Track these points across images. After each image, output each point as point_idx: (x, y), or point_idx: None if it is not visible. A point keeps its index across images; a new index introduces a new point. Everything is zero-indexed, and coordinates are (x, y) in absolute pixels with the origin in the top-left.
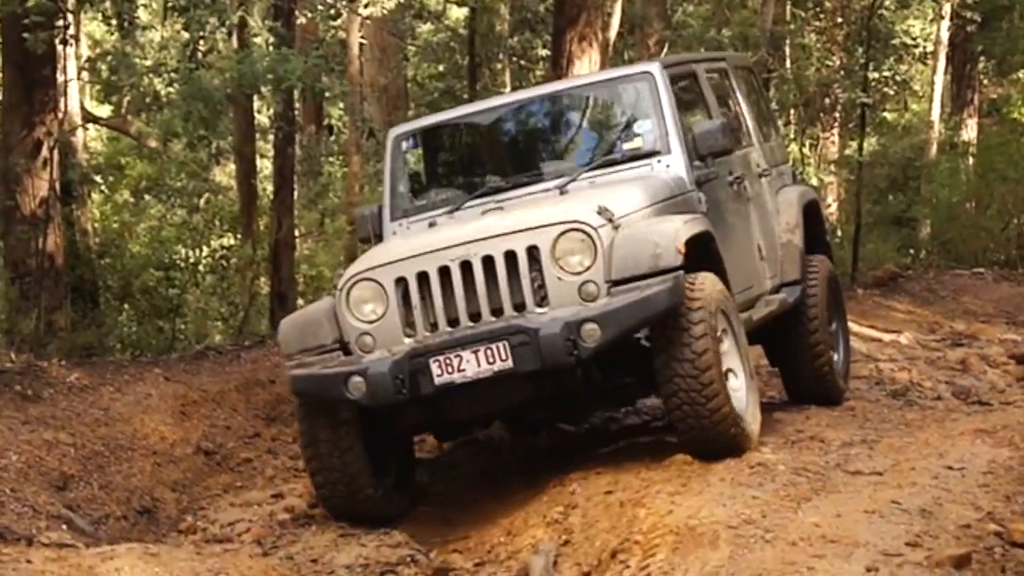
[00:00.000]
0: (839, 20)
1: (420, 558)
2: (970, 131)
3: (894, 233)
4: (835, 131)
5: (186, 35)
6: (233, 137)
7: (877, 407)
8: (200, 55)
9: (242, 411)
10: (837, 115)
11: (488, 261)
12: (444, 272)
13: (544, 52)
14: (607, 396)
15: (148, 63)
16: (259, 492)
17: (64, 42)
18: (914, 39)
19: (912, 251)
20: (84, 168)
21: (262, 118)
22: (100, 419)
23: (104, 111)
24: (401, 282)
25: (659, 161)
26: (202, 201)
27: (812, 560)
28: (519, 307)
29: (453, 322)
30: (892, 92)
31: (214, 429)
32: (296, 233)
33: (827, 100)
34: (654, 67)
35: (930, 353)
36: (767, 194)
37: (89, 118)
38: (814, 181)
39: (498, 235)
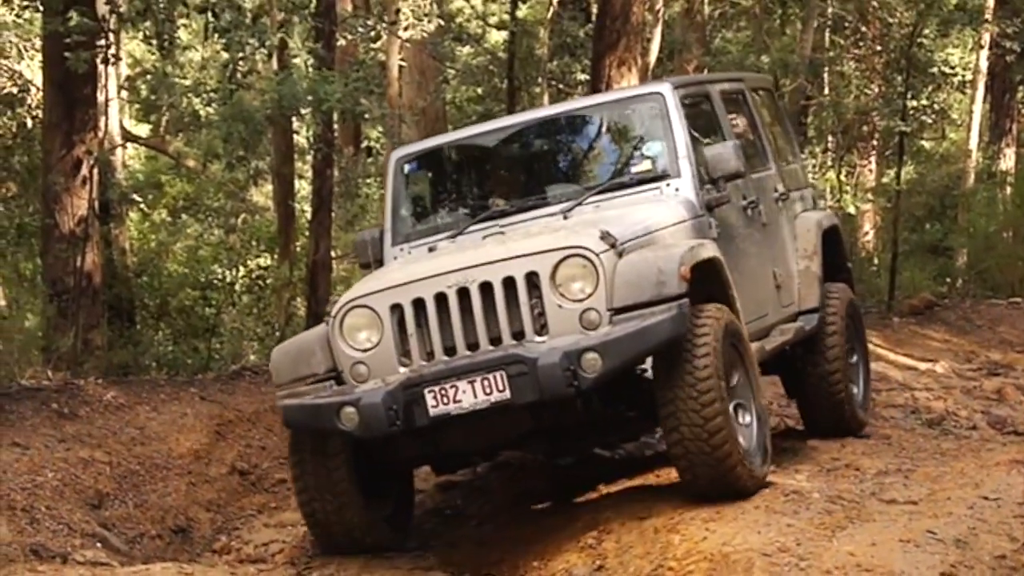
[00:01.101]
0: (878, 48)
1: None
2: (1008, 160)
3: (931, 262)
4: (872, 159)
5: (226, 56)
6: (272, 158)
7: (912, 436)
8: (240, 76)
9: (277, 431)
10: (875, 143)
11: (486, 288)
12: (441, 299)
13: (583, 76)
14: (609, 429)
15: (188, 83)
16: (293, 513)
17: (105, 61)
18: (953, 68)
19: (949, 280)
20: (123, 187)
21: (301, 139)
22: (136, 438)
23: (143, 130)
24: (396, 309)
25: (668, 184)
26: (239, 221)
27: None
28: (518, 335)
29: (450, 351)
30: (930, 121)
31: (249, 449)
32: (333, 254)
33: (865, 128)
34: (665, 87)
35: (966, 382)
36: (784, 219)
37: (128, 137)
38: (851, 209)
39: (496, 261)
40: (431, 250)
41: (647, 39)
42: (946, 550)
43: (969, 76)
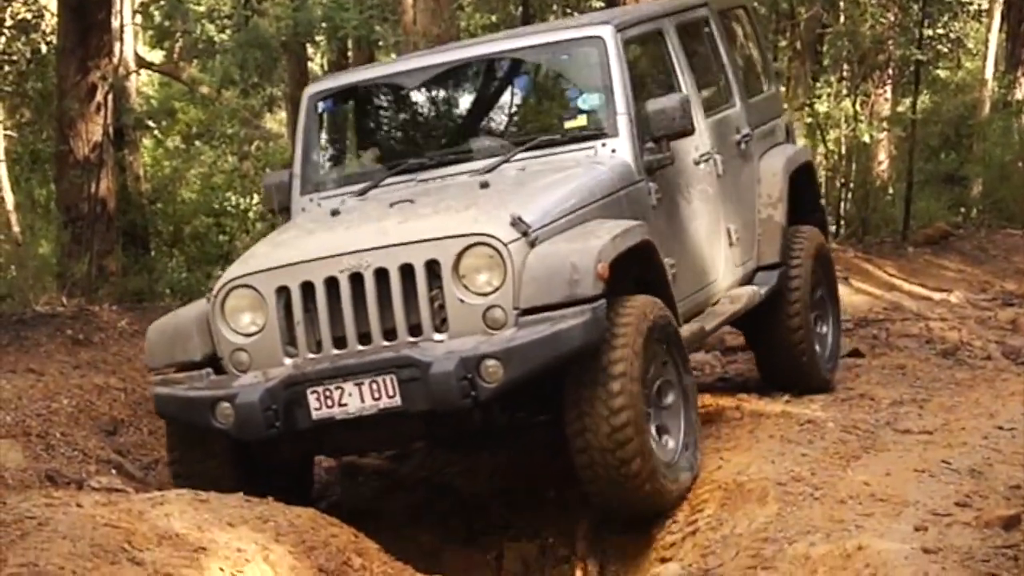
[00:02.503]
0: None
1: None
2: (1023, 90)
3: (946, 191)
4: (888, 88)
5: None
6: (286, 84)
7: (927, 366)
8: (255, 1)
9: None
10: (890, 72)
11: (381, 274)
12: (332, 284)
13: (598, 4)
14: (515, 433)
15: (202, 9)
16: None
17: None
18: None
19: (963, 209)
20: (137, 113)
21: (315, 66)
22: None
23: (157, 57)
24: (283, 292)
25: (604, 145)
26: (253, 148)
27: (861, 518)
28: (415, 330)
29: (340, 342)
30: (946, 50)
31: None
32: None
33: (880, 57)
34: (606, 31)
35: (980, 312)
36: (746, 164)
37: (142, 64)
38: (866, 138)
39: (394, 244)
40: (334, 214)
41: None
42: (960, 480)
43: (985, 5)
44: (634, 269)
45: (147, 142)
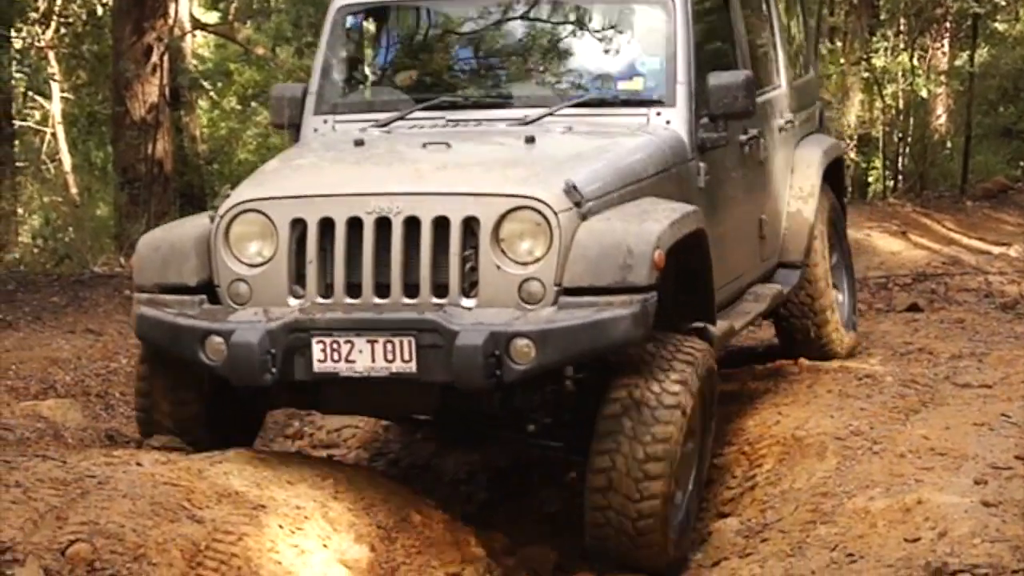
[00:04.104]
0: None
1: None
2: None
3: (1004, 145)
4: (945, 41)
5: None
6: None
7: (986, 320)
8: None
9: None
10: (948, 25)
11: (412, 223)
12: (354, 224)
13: None
14: (522, 431)
15: None
16: None
17: None
18: None
19: (1022, 163)
20: (192, 74)
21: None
22: None
23: (212, 18)
24: (298, 225)
25: (658, 114)
26: None
27: (920, 472)
28: (440, 290)
29: (354, 289)
30: (1004, 3)
31: None
32: None
33: (938, 10)
34: None
35: None
36: (783, 151)
37: (197, 25)
38: (924, 92)
39: (431, 193)
40: (358, 144)
41: None
42: (1020, 433)
43: None
44: (681, 260)
45: (203, 103)
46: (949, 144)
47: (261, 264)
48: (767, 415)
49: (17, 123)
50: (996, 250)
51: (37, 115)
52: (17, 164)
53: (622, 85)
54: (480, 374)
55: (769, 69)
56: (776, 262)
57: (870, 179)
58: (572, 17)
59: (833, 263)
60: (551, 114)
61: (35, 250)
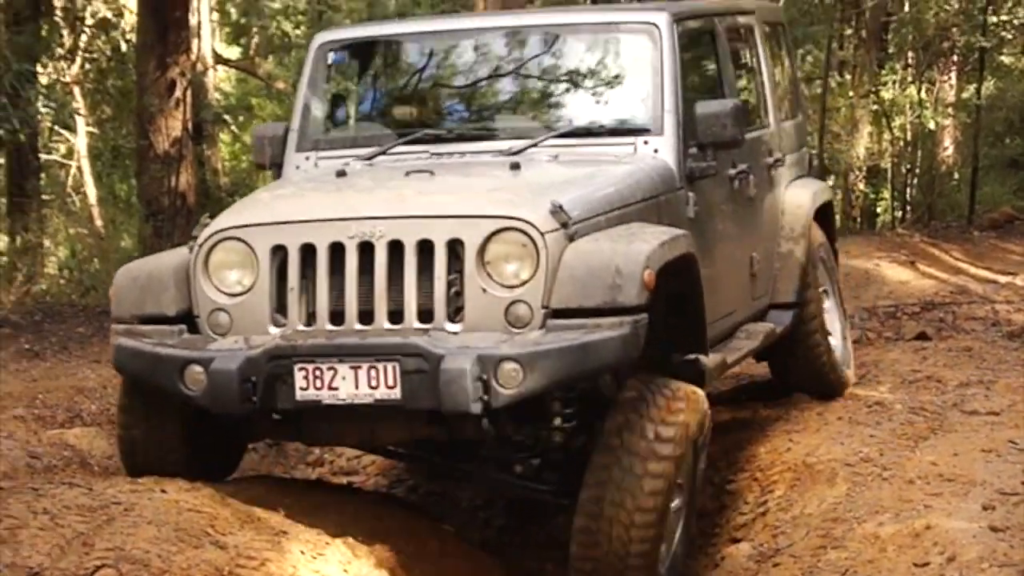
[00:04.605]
0: None
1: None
2: None
3: (1011, 176)
4: (952, 74)
5: None
6: None
7: (993, 348)
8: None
9: None
10: (955, 58)
11: (395, 248)
12: (336, 250)
13: None
14: (509, 471)
15: (277, 5)
16: None
17: None
18: None
19: None
20: (215, 108)
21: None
22: None
23: (234, 53)
24: (279, 252)
25: (645, 143)
26: None
27: (929, 498)
28: (425, 315)
29: (337, 316)
30: (1010, 36)
31: None
32: None
33: (945, 44)
34: (662, 18)
35: None
36: (773, 190)
37: (219, 60)
38: (931, 124)
39: (414, 216)
40: (340, 175)
41: None
42: None
43: None
44: (671, 283)
45: (225, 137)
46: (956, 175)
47: (241, 293)
48: (778, 442)
49: (43, 157)
50: (1003, 279)
51: (63, 149)
52: (43, 197)
53: (608, 114)
54: (467, 399)
55: (757, 107)
56: (768, 302)
57: (879, 210)
58: (557, 47)
59: (826, 303)
60: (536, 145)
61: (61, 281)
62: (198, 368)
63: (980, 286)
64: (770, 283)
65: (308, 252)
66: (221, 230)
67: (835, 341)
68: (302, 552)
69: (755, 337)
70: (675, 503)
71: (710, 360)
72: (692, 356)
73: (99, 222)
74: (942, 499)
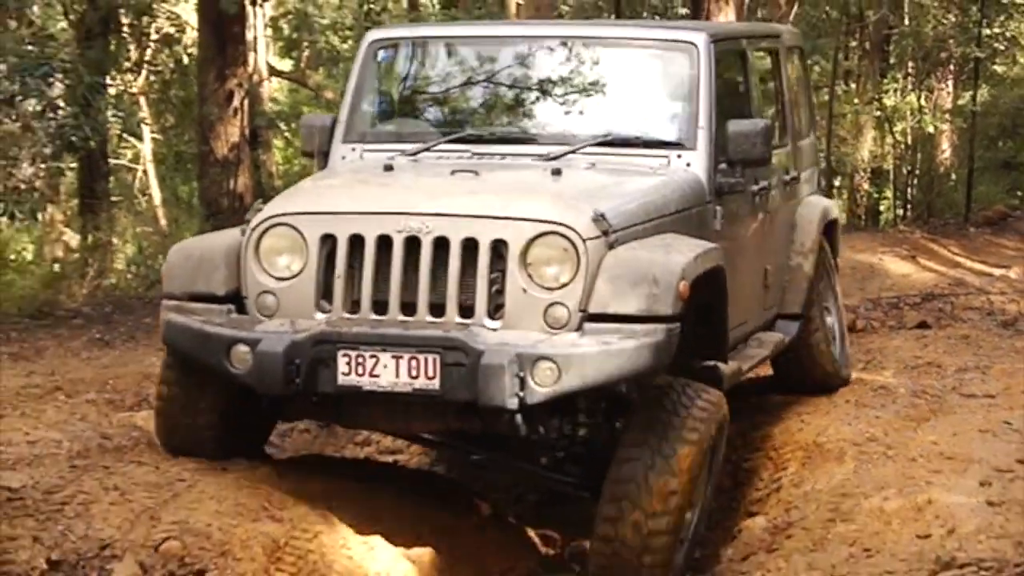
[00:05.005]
0: None
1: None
2: None
3: (1004, 176)
4: (949, 83)
5: None
6: None
7: (989, 336)
8: (374, 14)
9: None
10: (952, 68)
11: (441, 244)
12: (384, 243)
13: (684, 11)
14: (535, 462)
15: (326, 22)
16: None
17: (253, 3)
18: None
19: (1020, 193)
20: (269, 116)
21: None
22: None
23: (286, 65)
24: (328, 240)
25: (679, 156)
26: None
27: (930, 475)
28: (466, 311)
29: (380, 306)
30: (1003, 47)
31: None
32: None
33: (943, 54)
34: (700, 38)
35: None
36: (787, 207)
37: (273, 72)
38: (930, 129)
39: (461, 215)
40: (387, 169)
41: None
42: (1022, 439)
43: None
44: (701, 294)
45: (278, 142)
46: (953, 176)
47: (290, 277)
48: (791, 423)
49: (112, 162)
50: (997, 272)
51: (130, 154)
52: (112, 199)
53: (645, 127)
54: (503, 394)
55: (778, 128)
56: (776, 312)
57: (882, 208)
58: (599, 59)
59: (829, 312)
60: (575, 152)
61: (129, 276)
62: (244, 348)
63: (976, 278)
64: (779, 294)
65: (356, 242)
66: (273, 216)
67: (836, 347)
68: (351, 525)
69: (766, 346)
70: (693, 499)
71: (727, 367)
72: (712, 363)
73: (163, 221)
74: (942, 476)
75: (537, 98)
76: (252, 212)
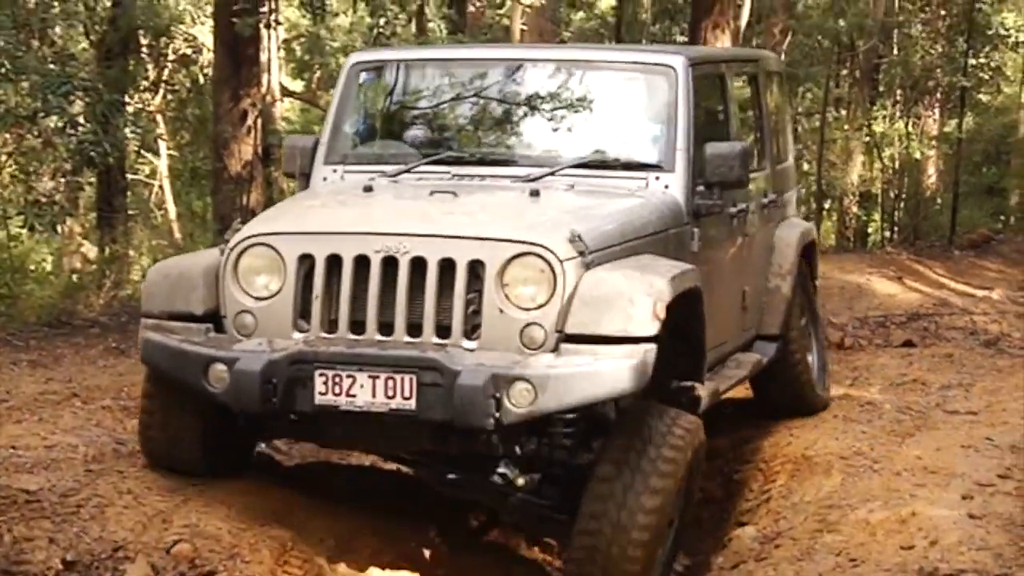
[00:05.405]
0: (942, 13)
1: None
2: None
3: (987, 201)
4: (936, 111)
5: (371, 20)
6: None
7: (972, 355)
8: (384, 37)
9: None
10: (938, 96)
11: (418, 264)
12: (361, 263)
13: (682, 39)
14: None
15: (337, 44)
16: None
17: (267, 26)
18: (1008, 30)
19: (1003, 217)
20: (281, 134)
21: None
22: None
23: (298, 86)
24: (306, 260)
25: (657, 178)
26: None
27: (914, 488)
28: (443, 331)
29: (358, 326)
30: (987, 77)
31: None
32: None
33: (930, 83)
34: (678, 61)
35: (1019, 307)
36: (765, 229)
37: (286, 92)
38: (917, 155)
39: (438, 235)
40: (367, 190)
41: (738, 4)
42: (1002, 455)
43: (1022, 37)
44: (677, 315)
45: None
46: (939, 200)
47: (268, 297)
48: (780, 437)
49: (130, 177)
50: (980, 293)
51: (147, 170)
52: (129, 212)
53: (623, 149)
54: (479, 414)
55: (755, 152)
56: (754, 333)
57: (870, 230)
58: (579, 81)
59: (805, 331)
60: (553, 173)
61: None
62: (222, 367)
63: (960, 299)
64: (758, 315)
65: (334, 262)
66: (252, 235)
67: (815, 369)
68: (355, 530)
69: (744, 367)
70: (671, 521)
71: (705, 388)
72: (688, 384)
73: (178, 235)
74: (926, 489)
75: (517, 120)
76: (231, 232)
